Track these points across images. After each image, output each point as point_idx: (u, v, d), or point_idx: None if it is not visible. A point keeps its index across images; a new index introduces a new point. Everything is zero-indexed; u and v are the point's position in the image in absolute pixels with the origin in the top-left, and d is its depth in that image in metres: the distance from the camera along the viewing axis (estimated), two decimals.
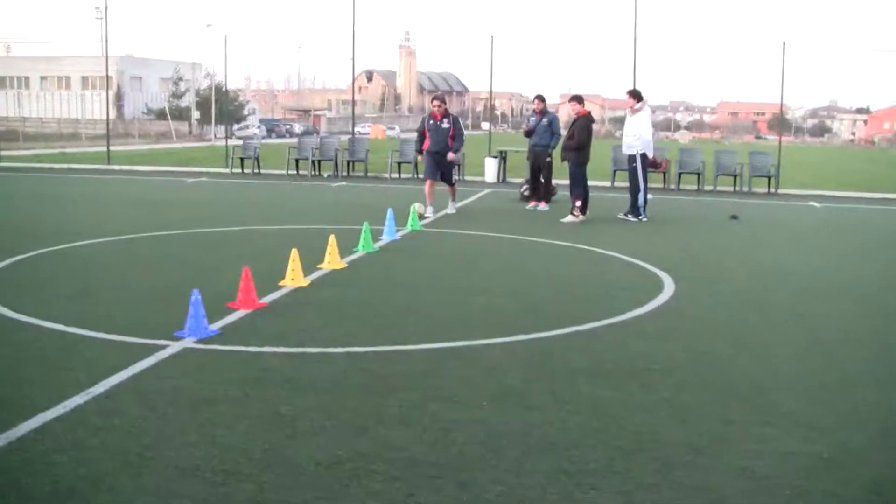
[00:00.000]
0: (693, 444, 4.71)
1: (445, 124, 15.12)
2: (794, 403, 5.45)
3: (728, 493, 4.13)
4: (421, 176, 17.85)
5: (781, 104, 25.49)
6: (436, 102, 15.38)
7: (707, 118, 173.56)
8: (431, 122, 15.21)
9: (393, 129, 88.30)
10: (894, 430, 5.05)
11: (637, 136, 15.30)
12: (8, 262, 9.78)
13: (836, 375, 6.12)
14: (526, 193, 18.27)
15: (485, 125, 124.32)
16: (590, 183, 15.68)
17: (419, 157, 16.34)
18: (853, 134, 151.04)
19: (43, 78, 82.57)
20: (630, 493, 4.09)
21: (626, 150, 15.67)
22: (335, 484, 4.10)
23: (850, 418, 5.21)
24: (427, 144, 15.26)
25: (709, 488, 4.17)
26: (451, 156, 15.32)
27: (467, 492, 4.05)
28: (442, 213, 15.27)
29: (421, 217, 14.02)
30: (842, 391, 5.75)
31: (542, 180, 17.32)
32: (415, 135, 16.48)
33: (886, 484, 4.28)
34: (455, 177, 15.50)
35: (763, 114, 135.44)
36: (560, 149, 16.15)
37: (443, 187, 15.70)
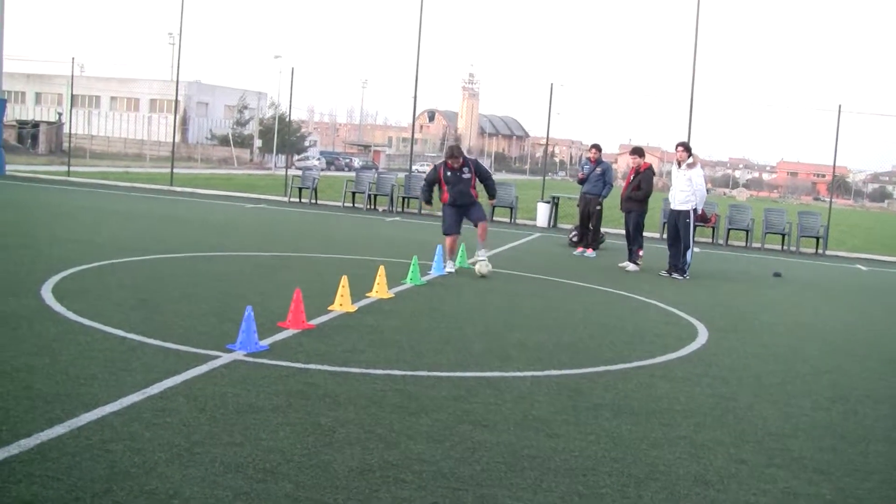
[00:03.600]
0: (703, 479, 5.01)
1: (466, 174, 13.19)
2: (805, 450, 5.71)
3: None
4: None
5: (834, 166, 25.64)
6: (450, 162, 13.26)
7: (766, 177, 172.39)
8: (449, 174, 13.22)
9: None
10: None
11: (693, 192, 14.86)
12: (74, 269, 10.33)
13: (852, 428, 6.36)
14: (574, 239, 18.60)
15: (561, 173, 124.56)
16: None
17: (428, 207, 14.82)
18: None
19: (113, 98, 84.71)
20: None
21: (680, 205, 14.93)
22: (366, 489, 4.46)
23: (858, 468, 5.46)
24: (446, 197, 13.34)
25: None
26: (491, 202, 14.51)
27: None
28: (471, 259, 13.69)
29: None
30: (854, 443, 5.99)
31: (591, 227, 17.63)
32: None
33: None
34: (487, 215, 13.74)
35: (823, 176, 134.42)
36: (623, 199, 16.04)
37: (472, 233, 13.93)
